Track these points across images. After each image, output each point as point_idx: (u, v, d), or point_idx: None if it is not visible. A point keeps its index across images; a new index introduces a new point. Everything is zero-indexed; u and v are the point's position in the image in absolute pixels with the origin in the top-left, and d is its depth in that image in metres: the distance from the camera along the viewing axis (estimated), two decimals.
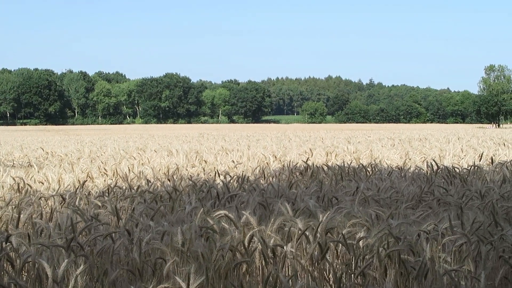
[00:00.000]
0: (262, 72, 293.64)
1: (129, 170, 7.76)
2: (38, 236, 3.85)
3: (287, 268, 3.57)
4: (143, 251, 3.38)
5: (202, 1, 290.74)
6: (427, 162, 7.67)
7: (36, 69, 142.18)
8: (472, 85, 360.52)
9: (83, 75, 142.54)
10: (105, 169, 7.90)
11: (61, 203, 5.18)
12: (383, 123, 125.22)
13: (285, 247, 3.48)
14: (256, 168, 7.86)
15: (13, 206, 4.80)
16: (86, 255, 3.42)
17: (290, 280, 3.14)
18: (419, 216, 4.02)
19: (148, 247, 3.46)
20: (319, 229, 3.59)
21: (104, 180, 6.93)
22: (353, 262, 3.48)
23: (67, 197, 5.23)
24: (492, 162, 7.76)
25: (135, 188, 5.78)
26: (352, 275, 3.41)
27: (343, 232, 3.51)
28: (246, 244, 3.42)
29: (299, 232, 3.54)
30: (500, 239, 3.38)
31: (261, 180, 6.80)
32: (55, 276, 2.95)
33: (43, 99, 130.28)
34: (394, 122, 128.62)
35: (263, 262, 3.48)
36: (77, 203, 5.11)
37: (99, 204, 4.81)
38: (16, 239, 3.49)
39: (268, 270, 3.46)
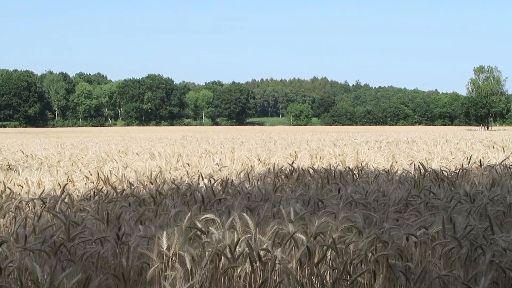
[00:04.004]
0: (246, 73, 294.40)
1: (111, 173, 7.63)
2: (20, 240, 3.71)
3: (274, 273, 3.49)
4: (130, 256, 3.27)
5: (185, 0, 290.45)
6: (414, 165, 7.65)
7: (15, 70, 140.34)
8: (460, 87, 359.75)
9: (64, 76, 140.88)
10: (87, 172, 7.76)
11: (41, 207, 5.05)
12: (370, 125, 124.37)
13: (272, 252, 3.40)
14: (240, 171, 7.79)
15: None
16: (73, 260, 3.31)
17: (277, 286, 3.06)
18: (410, 220, 3.97)
19: (134, 252, 3.35)
20: (308, 233, 3.52)
21: (85, 184, 6.81)
22: (342, 267, 3.41)
23: (49, 201, 5.10)
24: (481, 165, 7.75)
25: (118, 191, 5.66)
26: (341, 281, 3.34)
27: (334, 237, 3.44)
28: (233, 249, 3.33)
29: (288, 236, 3.46)
30: (491, 243, 3.35)
31: (246, 184, 6.72)
32: (44, 283, 2.83)
33: (23, 101, 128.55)
34: (381, 124, 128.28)
35: (251, 268, 3.40)
36: (58, 207, 4.98)
37: (82, 208, 4.70)
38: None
39: (255, 276, 3.38)
